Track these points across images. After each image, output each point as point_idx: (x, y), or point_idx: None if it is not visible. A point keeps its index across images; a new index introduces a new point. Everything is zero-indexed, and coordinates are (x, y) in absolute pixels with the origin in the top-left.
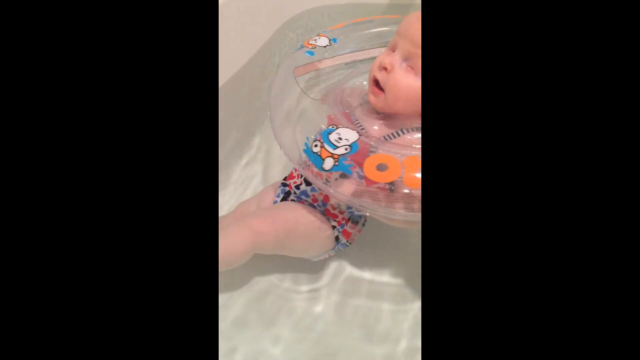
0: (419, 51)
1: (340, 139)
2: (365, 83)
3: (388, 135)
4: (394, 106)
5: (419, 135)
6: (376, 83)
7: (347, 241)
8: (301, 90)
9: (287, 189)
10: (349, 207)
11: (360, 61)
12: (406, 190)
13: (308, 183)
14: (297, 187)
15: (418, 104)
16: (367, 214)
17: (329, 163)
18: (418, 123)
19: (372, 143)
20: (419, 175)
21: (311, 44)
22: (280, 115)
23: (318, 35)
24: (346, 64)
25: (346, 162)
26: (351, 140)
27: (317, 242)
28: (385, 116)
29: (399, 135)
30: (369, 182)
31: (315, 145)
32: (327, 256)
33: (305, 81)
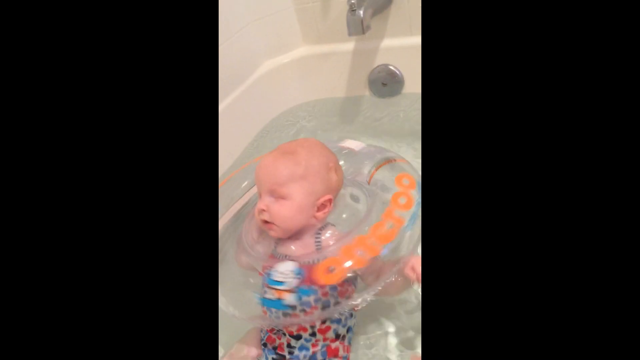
0: (275, 185)
1: (281, 273)
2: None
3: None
4: (291, 229)
5: (330, 231)
6: (265, 222)
7: None
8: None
9: (276, 353)
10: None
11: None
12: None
13: (297, 337)
14: (290, 348)
15: (303, 215)
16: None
17: (290, 298)
18: (315, 226)
19: (307, 260)
20: (360, 252)
21: None
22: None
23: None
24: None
25: (304, 287)
26: (292, 268)
27: None
28: (292, 236)
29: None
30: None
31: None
32: None
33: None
